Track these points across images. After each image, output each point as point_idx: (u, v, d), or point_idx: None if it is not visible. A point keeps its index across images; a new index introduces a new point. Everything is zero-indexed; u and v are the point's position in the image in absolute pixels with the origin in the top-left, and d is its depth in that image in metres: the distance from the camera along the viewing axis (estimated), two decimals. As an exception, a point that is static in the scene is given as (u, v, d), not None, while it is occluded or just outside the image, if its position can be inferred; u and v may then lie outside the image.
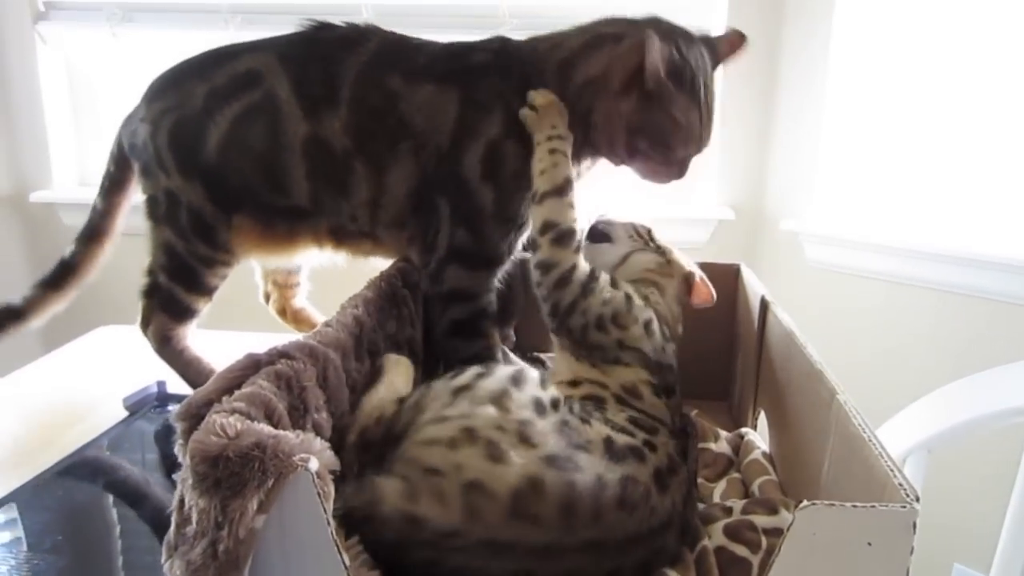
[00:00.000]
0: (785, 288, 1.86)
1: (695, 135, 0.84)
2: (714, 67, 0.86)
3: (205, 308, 0.96)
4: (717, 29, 1.82)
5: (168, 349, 0.95)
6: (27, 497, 0.78)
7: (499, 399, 0.58)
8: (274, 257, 0.96)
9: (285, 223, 0.91)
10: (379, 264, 0.93)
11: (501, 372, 0.62)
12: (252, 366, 0.55)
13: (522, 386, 0.61)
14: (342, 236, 0.91)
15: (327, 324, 0.67)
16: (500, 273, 0.87)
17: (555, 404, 0.61)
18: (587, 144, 0.86)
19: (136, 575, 0.69)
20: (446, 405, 0.59)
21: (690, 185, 1.98)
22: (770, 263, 1.92)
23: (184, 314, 0.95)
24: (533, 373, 0.63)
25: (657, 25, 0.84)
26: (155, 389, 1.00)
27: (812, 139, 1.79)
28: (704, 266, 1.04)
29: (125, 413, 0.97)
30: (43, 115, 2.04)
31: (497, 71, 0.85)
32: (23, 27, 1.99)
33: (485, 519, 0.51)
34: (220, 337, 1.02)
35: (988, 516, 1.05)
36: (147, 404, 0.98)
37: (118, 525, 0.77)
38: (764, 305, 0.87)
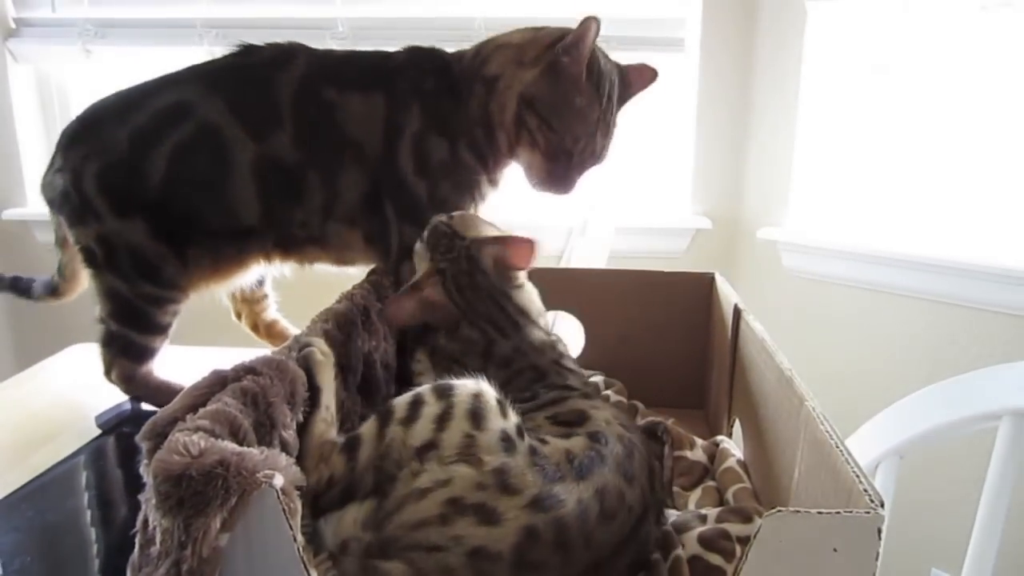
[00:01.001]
0: (762, 296, 1.88)
1: (587, 129, 0.84)
2: (623, 98, 0.89)
3: (163, 345, 0.97)
4: (692, 41, 1.86)
5: (133, 385, 0.97)
6: (-4, 518, 0.77)
7: (467, 451, 0.56)
8: (226, 283, 0.97)
9: (234, 247, 0.92)
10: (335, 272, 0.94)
11: (458, 412, 0.58)
12: (218, 383, 0.55)
13: (483, 423, 0.57)
14: (289, 246, 0.93)
15: (297, 339, 0.67)
16: None
17: (520, 430, 0.59)
18: (487, 126, 0.86)
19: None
20: (416, 473, 0.55)
21: (667, 194, 2.01)
22: (748, 272, 1.94)
23: (143, 355, 0.95)
24: (489, 396, 0.60)
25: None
26: (128, 407, 0.99)
27: (787, 148, 1.82)
28: (679, 275, 1.05)
29: (98, 431, 0.95)
30: (15, 132, 2.02)
31: (411, 68, 0.88)
32: (-7, 45, 1.98)
33: None
34: (189, 353, 1.01)
35: (964, 520, 1.05)
36: (120, 422, 0.97)
37: (89, 546, 0.76)
38: (737, 313, 0.88)
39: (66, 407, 1.05)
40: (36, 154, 2.08)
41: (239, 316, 1.10)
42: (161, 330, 0.95)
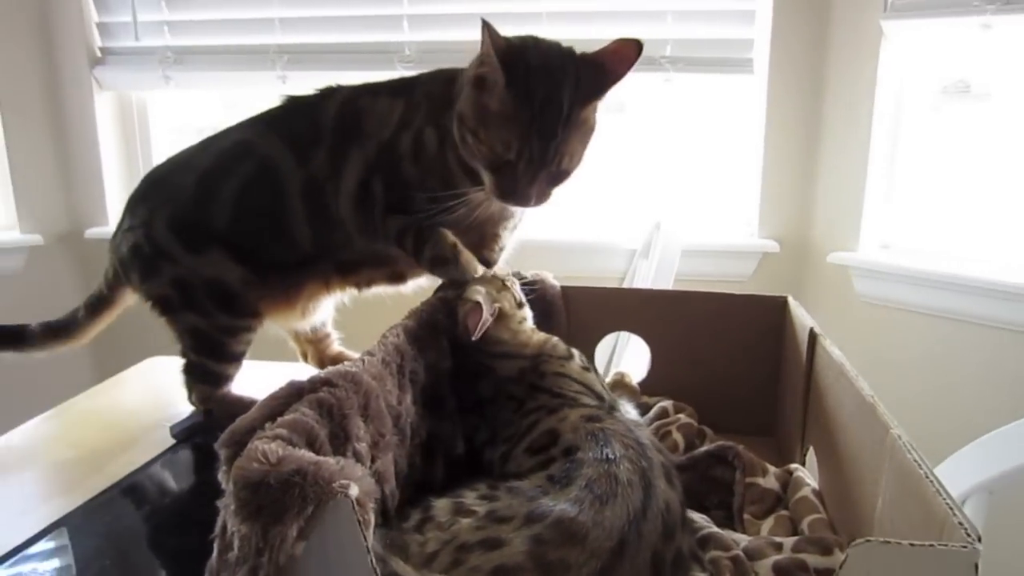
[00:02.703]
0: (833, 323, 1.81)
1: (517, 133, 0.80)
2: (594, 89, 0.82)
3: (238, 371, 1.01)
4: (760, 63, 1.83)
5: (211, 403, 1.00)
6: (76, 523, 0.79)
7: (459, 510, 0.59)
8: (295, 313, 1.00)
9: (296, 276, 0.96)
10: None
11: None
12: (295, 394, 0.56)
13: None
14: (346, 270, 0.97)
15: (369, 353, 0.67)
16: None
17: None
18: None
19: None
20: (423, 543, 0.58)
21: (734, 216, 1.97)
22: (817, 297, 1.88)
23: (219, 381, 1.00)
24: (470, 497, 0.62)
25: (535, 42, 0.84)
26: (201, 418, 1.01)
27: (860, 170, 1.77)
28: (750, 298, 1.03)
29: (172, 441, 0.98)
30: (99, 156, 2.13)
31: (430, 79, 0.93)
32: (81, 72, 2.09)
33: None
34: (264, 368, 1.03)
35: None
36: (193, 432, 1.00)
37: (162, 552, 0.78)
38: (812, 337, 0.85)
39: (142, 417, 1.08)
40: (117, 175, 2.18)
41: (305, 357, 1.13)
42: (236, 358, 0.99)
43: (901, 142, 1.76)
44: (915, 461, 0.51)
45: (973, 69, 1.67)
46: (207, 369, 0.99)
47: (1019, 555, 1.45)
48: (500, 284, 0.87)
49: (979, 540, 0.41)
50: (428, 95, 0.91)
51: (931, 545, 0.41)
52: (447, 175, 0.89)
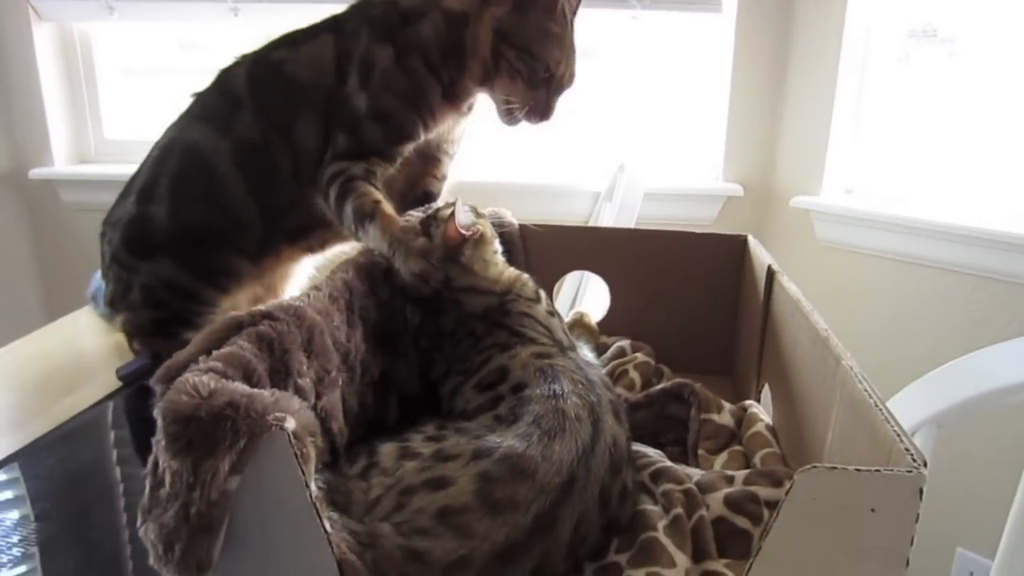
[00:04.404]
0: (795, 266, 1.82)
1: (564, 53, 0.87)
2: (575, 13, 0.90)
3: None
4: (729, 1, 1.79)
5: (156, 346, 0.97)
6: (17, 465, 0.77)
7: (404, 453, 0.58)
8: (258, 287, 0.97)
9: (252, 257, 0.93)
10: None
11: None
12: (234, 327, 0.53)
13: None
14: (298, 236, 0.94)
15: (316, 288, 0.65)
16: (380, 170, 0.86)
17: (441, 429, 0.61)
18: (453, 53, 0.86)
19: (124, 546, 0.68)
20: (366, 490, 0.56)
21: (698, 159, 1.96)
22: (780, 241, 1.89)
23: (171, 336, 0.95)
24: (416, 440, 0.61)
25: None
26: (149, 359, 0.99)
27: (825, 114, 1.76)
28: (710, 237, 1.02)
29: (119, 384, 0.95)
30: (40, 92, 2.02)
31: (359, 7, 0.91)
32: (17, 2, 1.97)
33: (473, 531, 0.51)
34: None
35: (995, 498, 1.02)
36: (141, 375, 0.97)
37: (108, 495, 0.76)
38: (770, 275, 0.85)
39: (89, 360, 1.05)
40: (61, 115, 2.08)
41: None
42: (195, 327, 0.95)
43: (867, 87, 1.75)
44: (865, 391, 0.51)
45: (940, 12, 1.65)
46: (162, 323, 0.95)
47: (965, 485, 1.50)
48: (475, 212, 0.83)
49: (924, 465, 0.41)
50: (367, 19, 0.89)
51: (877, 470, 0.41)
52: (412, 85, 0.86)
